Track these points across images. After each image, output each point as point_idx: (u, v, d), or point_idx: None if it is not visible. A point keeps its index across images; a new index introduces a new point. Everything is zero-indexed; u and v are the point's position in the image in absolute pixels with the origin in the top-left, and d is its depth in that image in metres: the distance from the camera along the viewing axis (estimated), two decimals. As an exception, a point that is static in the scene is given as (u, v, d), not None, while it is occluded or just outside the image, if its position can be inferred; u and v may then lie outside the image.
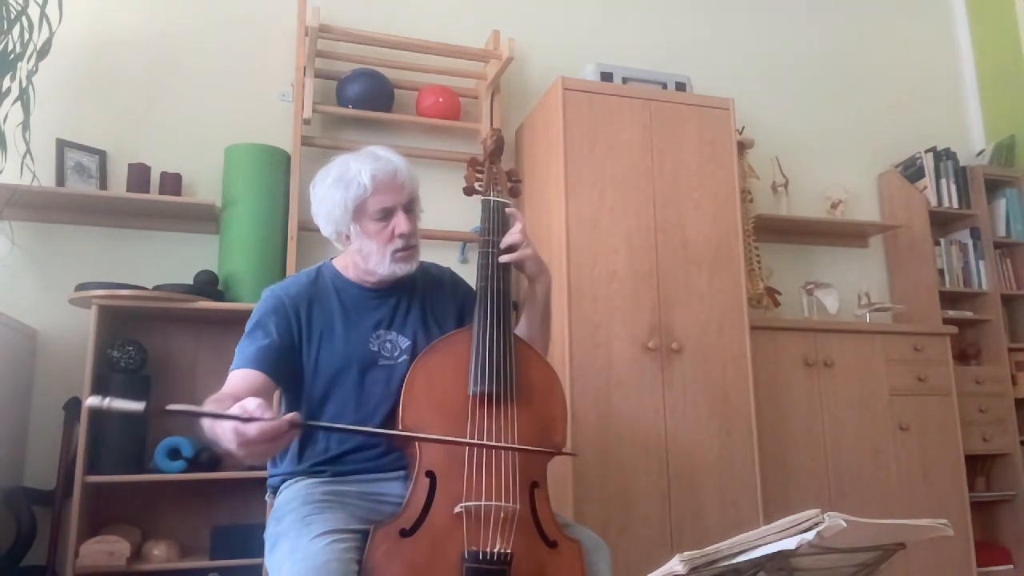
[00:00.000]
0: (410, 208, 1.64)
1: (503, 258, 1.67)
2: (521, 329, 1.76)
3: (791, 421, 3.03)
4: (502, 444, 1.49)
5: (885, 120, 4.05)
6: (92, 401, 1.17)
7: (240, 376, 1.53)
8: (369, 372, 1.61)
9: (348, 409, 1.59)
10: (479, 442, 1.48)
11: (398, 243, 1.61)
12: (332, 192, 1.59)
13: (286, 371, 1.59)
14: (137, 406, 1.19)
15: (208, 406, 1.34)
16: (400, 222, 1.60)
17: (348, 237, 1.63)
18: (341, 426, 1.56)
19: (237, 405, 1.25)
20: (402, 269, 1.63)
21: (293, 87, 3.04)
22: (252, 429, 1.21)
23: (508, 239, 1.68)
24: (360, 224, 1.60)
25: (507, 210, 1.75)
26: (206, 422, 1.30)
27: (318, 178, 1.65)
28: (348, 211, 1.59)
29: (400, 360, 1.63)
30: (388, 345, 1.64)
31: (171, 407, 1.24)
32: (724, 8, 3.88)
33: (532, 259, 1.69)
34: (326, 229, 1.64)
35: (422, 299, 1.71)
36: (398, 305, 1.68)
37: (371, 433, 1.57)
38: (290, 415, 1.27)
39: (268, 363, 1.55)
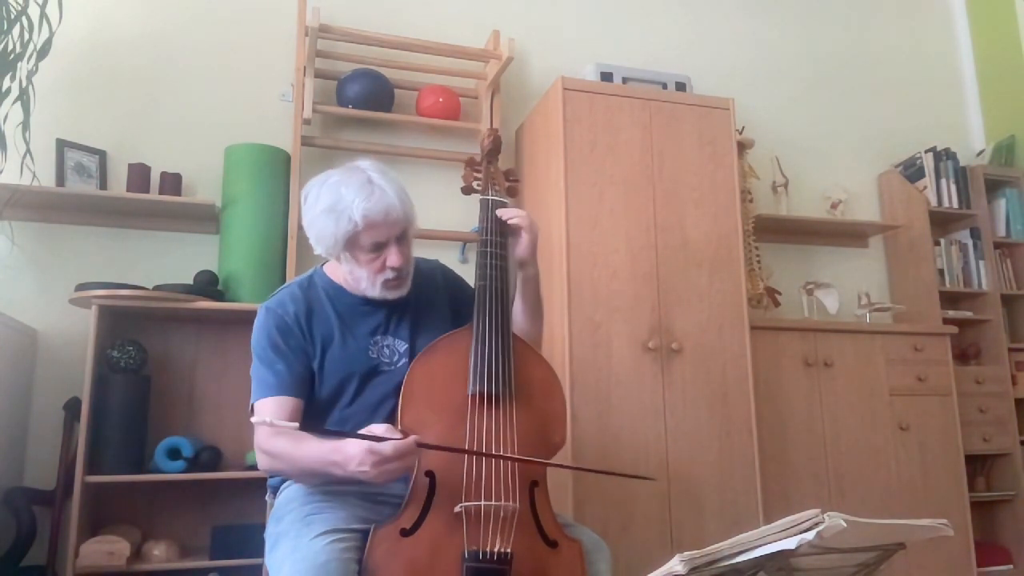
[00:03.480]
0: (403, 239, 1.60)
1: (512, 220, 1.70)
2: (519, 314, 1.76)
3: (791, 421, 3.03)
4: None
5: (885, 120, 4.05)
6: None
7: (275, 405, 1.53)
8: (371, 380, 1.61)
9: (348, 417, 1.59)
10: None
11: (389, 274, 1.59)
12: (322, 221, 1.55)
13: (309, 385, 1.59)
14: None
15: (280, 441, 1.47)
16: (392, 256, 1.57)
17: (339, 259, 1.62)
18: (450, 447, 1.46)
19: (365, 429, 1.35)
20: (392, 295, 1.62)
21: (293, 87, 3.04)
22: (387, 447, 1.32)
23: (516, 218, 1.71)
24: (351, 253, 1.58)
25: (498, 210, 1.75)
26: (324, 454, 1.40)
27: (310, 194, 1.59)
28: (339, 242, 1.55)
29: (400, 364, 1.63)
30: (387, 351, 1.64)
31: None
32: (724, 8, 3.88)
33: (533, 236, 1.72)
34: (316, 248, 1.61)
35: (416, 300, 1.70)
36: (393, 309, 1.67)
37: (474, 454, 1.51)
38: (413, 436, 1.36)
39: (293, 386, 1.56)
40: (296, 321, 1.60)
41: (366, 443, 1.32)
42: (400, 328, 1.66)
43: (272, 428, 1.47)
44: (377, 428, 1.35)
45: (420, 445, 1.36)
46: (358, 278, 1.61)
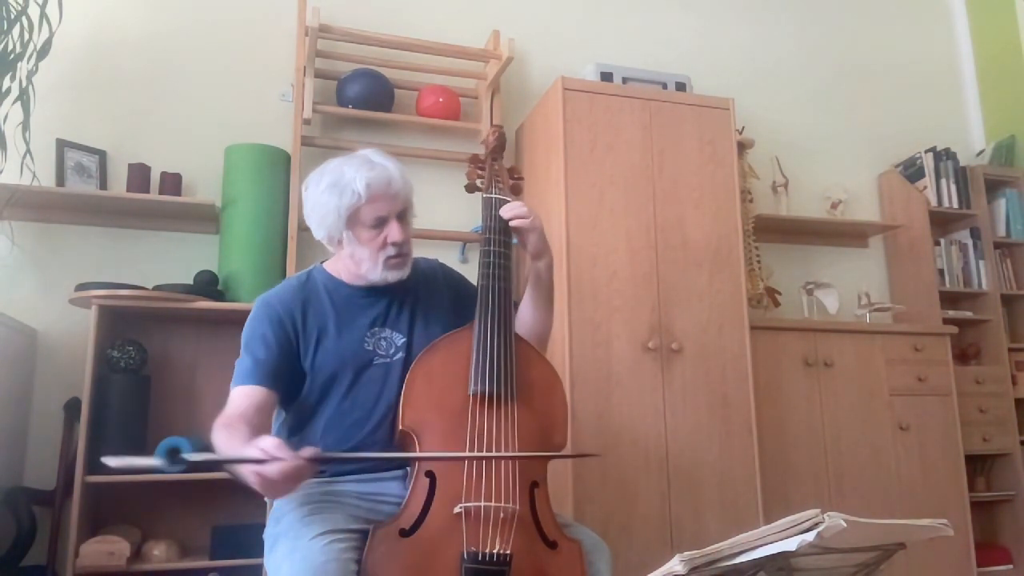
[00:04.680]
0: (403, 216, 1.62)
1: (513, 222, 1.68)
2: (525, 310, 1.76)
3: (791, 421, 3.03)
4: (508, 454, 1.49)
5: (885, 120, 4.05)
6: (110, 461, 1.20)
7: (243, 394, 1.52)
8: (365, 372, 1.60)
9: (344, 410, 1.58)
10: (488, 454, 1.47)
11: (391, 251, 1.60)
12: (325, 198, 1.57)
13: (287, 380, 1.58)
14: (157, 462, 1.23)
15: (220, 434, 1.38)
16: (393, 231, 1.59)
17: (340, 242, 1.62)
18: (357, 455, 1.53)
19: (253, 446, 1.25)
20: (394, 276, 1.63)
21: (293, 87, 3.04)
22: (272, 470, 1.22)
23: (515, 209, 1.69)
24: (353, 231, 1.59)
25: (501, 209, 1.74)
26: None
27: (311, 181, 1.63)
28: (341, 218, 1.57)
29: (396, 358, 1.62)
30: (383, 343, 1.63)
31: (190, 457, 1.29)
32: (724, 8, 3.88)
33: (537, 233, 1.70)
34: (318, 233, 1.63)
35: (415, 296, 1.70)
36: (391, 303, 1.67)
37: (382, 459, 1.55)
38: (308, 451, 1.27)
39: (269, 377, 1.54)
40: (289, 315, 1.60)
41: (253, 464, 1.24)
42: (399, 321, 1.66)
43: (223, 418, 1.46)
44: (267, 443, 1.25)
45: (312, 460, 1.27)
46: (359, 259, 1.62)
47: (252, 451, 1.25)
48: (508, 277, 1.67)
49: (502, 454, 1.49)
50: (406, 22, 3.26)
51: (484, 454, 1.48)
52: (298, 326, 1.60)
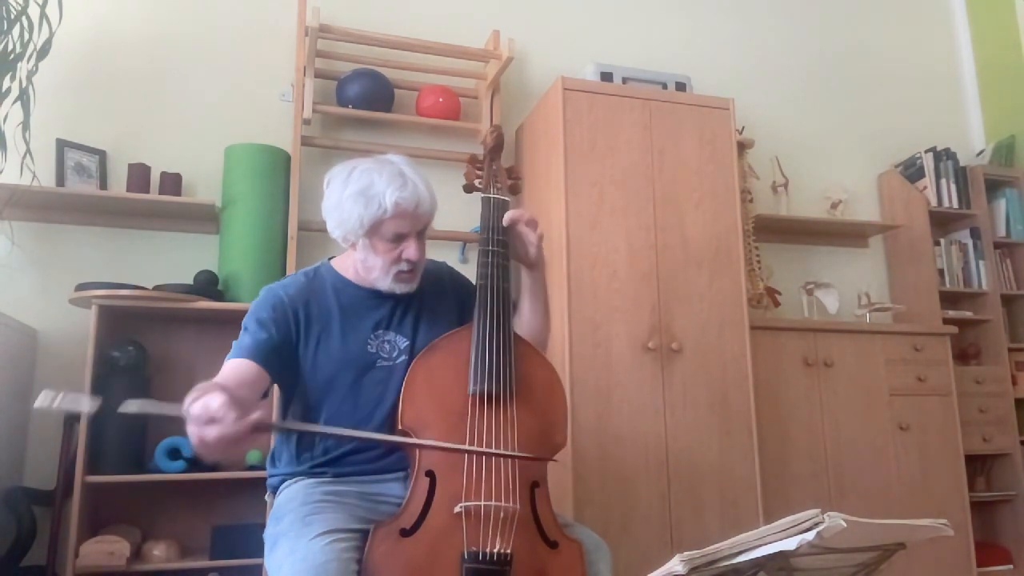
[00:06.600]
0: (422, 234, 1.63)
1: (519, 226, 1.68)
2: (524, 319, 1.75)
3: (791, 421, 3.03)
4: (503, 452, 1.48)
5: (885, 120, 4.05)
6: (41, 401, 1.14)
7: (234, 365, 1.51)
8: (367, 374, 1.60)
9: (345, 411, 1.58)
10: (477, 449, 1.47)
11: (404, 266, 1.60)
12: (350, 204, 1.56)
13: (282, 368, 1.58)
14: (86, 406, 1.16)
15: (192, 394, 1.27)
16: (410, 248, 1.59)
17: (354, 246, 1.63)
18: (318, 428, 1.51)
19: (199, 403, 1.19)
20: (402, 289, 1.63)
21: (293, 87, 3.04)
22: (211, 433, 1.16)
23: (521, 214, 1.69)
24: (370, 240, 1.59)
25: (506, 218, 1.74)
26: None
27: (336, 179, 1.61)
28: (363, 227, 1.57)
29: (399, 361, 1.62)
30: (387, 346, 1.63)
31: (125, 408, 1.21)
32: (724, 8, 3.88)
33: (539, 245, 1.72)
34: (334, 232, 1.62)
35: (421, 299, 1.70)
36: (397, 306, 1.67)
37: (349, 437, 1.52)
38: (255, 416, 1.19)
39: (264, 356, 1.53)
40: (293, 306, 1.60)
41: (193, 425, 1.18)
42: (403, 324, 1.66)
43: (216, 379, 1.42)
44: (213, 402, 1.19)
45: (261, 429, 1.19)
46: (371, 267, 1.62)
47: (196, 407, 1.17)
48: (507, 277, 1.67)
49: (502, 451, 1.49)
50: (406, 22, 3.26)
51: (482, 449, 1.47)
52: (300, 321, 1.60)
